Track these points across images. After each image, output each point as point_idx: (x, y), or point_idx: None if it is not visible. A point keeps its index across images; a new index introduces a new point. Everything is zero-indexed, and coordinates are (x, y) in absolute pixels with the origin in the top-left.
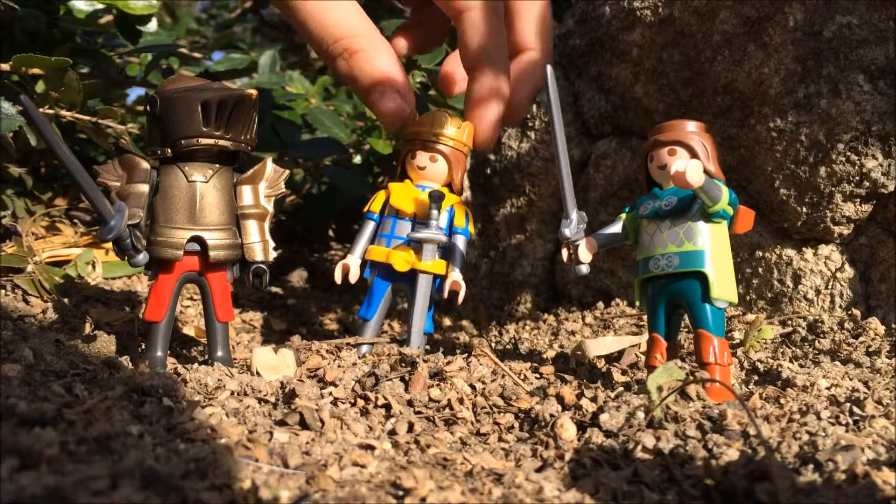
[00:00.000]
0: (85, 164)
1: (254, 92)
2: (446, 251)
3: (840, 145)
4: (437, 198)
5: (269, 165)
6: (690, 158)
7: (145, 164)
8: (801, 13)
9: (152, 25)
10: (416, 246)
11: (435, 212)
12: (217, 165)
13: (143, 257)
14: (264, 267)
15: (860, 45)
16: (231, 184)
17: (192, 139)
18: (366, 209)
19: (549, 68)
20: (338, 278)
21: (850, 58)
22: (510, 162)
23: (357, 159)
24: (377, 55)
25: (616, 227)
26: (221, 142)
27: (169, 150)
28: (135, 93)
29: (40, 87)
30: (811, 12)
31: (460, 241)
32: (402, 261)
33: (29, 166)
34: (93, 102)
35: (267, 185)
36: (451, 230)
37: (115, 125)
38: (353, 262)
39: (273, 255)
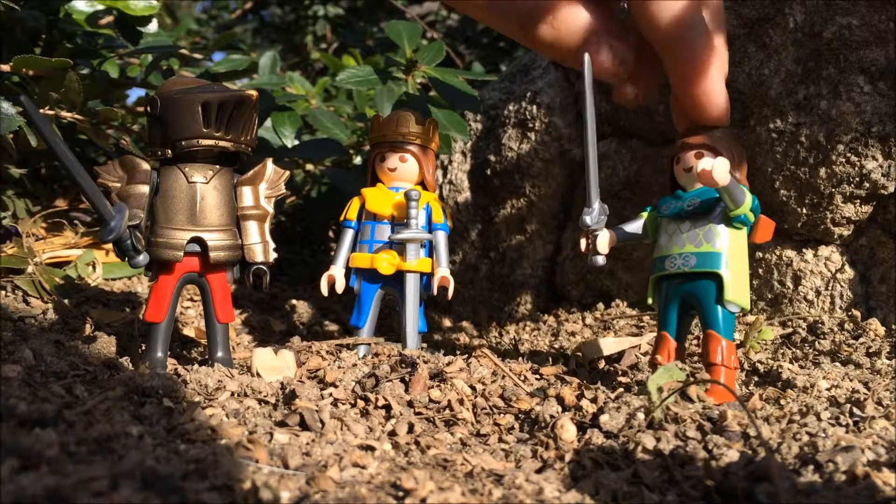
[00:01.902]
0: (85, 164)
1: (254, 93)
2: (429, 248)
3: (840, 146)
4: (413, 197)
5: (270, 166)
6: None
7: (145, 165)
8: (801, 14)
9: (152, 26)
10: (398, 247)
11: (413, 211)
12: (217, 166)
13: (143, 258)
14: (265, 268)
15: (860, 46)
16: (231, 185)
17: (192, 140)
18: (342, 218)
19: (585, 56)
20: (324, 290)
21: (850, 59)
22: (510, 163)
23: (357, 160)
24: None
25: (637, 225)
26: (222, 143)
27: (169, 151)
28: (135, 94)
29: (41, 88)
30: (811, 13)
31: (441, 237)
32: (386, 264)
33: (29, 167)
34: (93, 103)
35: (267, 186)
36: (430, 227)
37: (115, 126)
38: (338, 272)
39: (273, 256)
